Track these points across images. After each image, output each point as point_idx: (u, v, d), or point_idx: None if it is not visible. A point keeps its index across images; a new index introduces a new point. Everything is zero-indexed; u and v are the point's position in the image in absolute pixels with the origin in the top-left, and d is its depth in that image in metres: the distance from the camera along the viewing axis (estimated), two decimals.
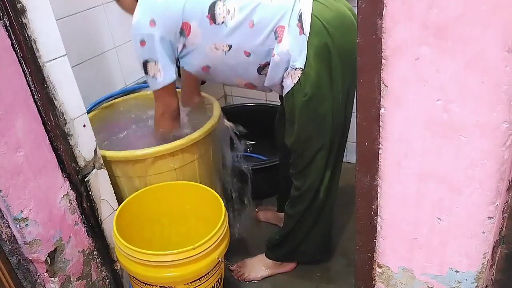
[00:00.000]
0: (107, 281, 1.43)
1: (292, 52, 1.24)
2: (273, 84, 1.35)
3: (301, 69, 1.25)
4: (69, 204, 1.23)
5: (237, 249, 1.84)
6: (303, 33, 1.22)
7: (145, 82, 1.94)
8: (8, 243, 1.13)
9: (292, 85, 1.28)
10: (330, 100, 1.31)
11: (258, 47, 1.28)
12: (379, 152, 0.77)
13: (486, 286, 0.81)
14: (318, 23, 1.23)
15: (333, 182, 1.49)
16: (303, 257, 1.69)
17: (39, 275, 1.20)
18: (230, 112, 2.18)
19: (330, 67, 1.27)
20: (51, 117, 1.13)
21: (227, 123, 1.78)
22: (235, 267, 1.73)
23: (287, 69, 1.28)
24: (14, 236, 1.12)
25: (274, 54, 1.27)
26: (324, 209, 1.53)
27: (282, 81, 1.32)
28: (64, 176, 1.21)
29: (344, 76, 1.30)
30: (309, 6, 1.23)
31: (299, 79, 1.26)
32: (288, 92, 1.30)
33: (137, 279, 1.30)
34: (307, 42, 1.23)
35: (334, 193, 1.53)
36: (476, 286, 0.82)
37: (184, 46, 1.34)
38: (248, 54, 1.30)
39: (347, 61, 1.28)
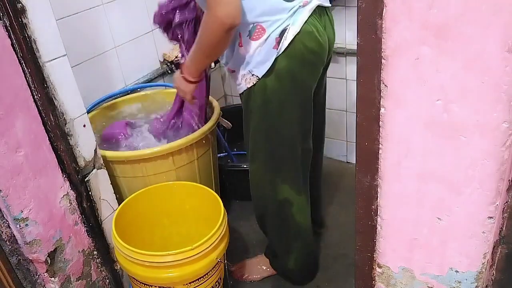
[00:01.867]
0: (107, 281, 1.43)
1: (256, 57, 1.22)
2: (230, 70, 1.34)
3: (257, 78, 1.25)
4: (69, 204, 1.23)
5: (237, 249, 1.84)
6: (277, 49, 1.20)
7: (145, 82, 1.95)
8: (8, 243, 1.13)
9: (245, 89, 1.29)
10: (277, 119, 1.31)
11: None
12: (379, 152, 0.77)
13: (486, 286, 0.81)
14: (300, 49, 1.21)
15: (294, 199, 1.45)
16: (288, 276, 1.67)
17: (39, 275, 1.20)
18: (230, 112, 2.19)
19: (287, 90, 1.26)
20: (51, 117, 1.13)
21: (226, 122, 1.79)
22: (235, 267, 1.73)
23: (243, 68, 1.26)
24: (14, 236, 1.12)
25: (241, 44, 1.23)
26: (298, 229, 1.51)
27: (236, 78, 1.31)
28: (64, 176, 1.21)
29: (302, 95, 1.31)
30: (297, 28, 1.19)
31: (254, 85, 1.26)
32: (242, 93, 1.32)
33: (136, 280, 1.30)
34: (276, 58, 1.21)
35: (299, 211, 1.48)
36: (476, 286, 0.82)
37: None
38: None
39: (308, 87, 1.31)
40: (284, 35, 1.19)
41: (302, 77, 1.27)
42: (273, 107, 1.28)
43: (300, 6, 1.20)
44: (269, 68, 1.22)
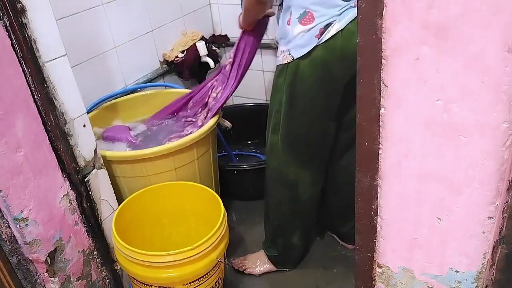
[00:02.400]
0: (107, 281, 1.43)
1: (298, 41, 1.30)
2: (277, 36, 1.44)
3: (292, 58, 1.32)
4: (69, 204, 1.23)
5: (236, 249, 1.84)
6: (319, 38, 1.27)
7: (144, 82, 1.95)
8: (8, 243, 1.13)
9: (280, 63, 1.37)
10: (306, 102, 1.38)
11: None
12: (379, 152, 0.77)
13: (486, 286, 0.81)
14: (340, 44, 1.27)
15: (303, 178, 1.52)
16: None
17: (39, 275, 1.20)
18: (230, 112, 2.19)
19: (318, 78, 1.33)
20: (51, 117, 1.13)
21: (226, 122, 1.79)
22: (236, 260, 1.74)
23: (284, 44, 1.35)
24: (14, 236, 1.12)
25: (289, 23, 1.31)
26: (303, 205, 1.58)
27: (278, 50, 1.40)
28: (64, 176, 1.21)
29: (331, 98, 1.38)
30: (342, 25, 1.25)
31: (288, 64, 1.34)
32: (277, 65, 1.41)
33: (136, 280, 1.30)
34: (315, 46, 1.28)
35: (303, 187, 1.55)
36: (476, 286, 0.82)
37: None
38: None
39: (341, 89, 1.36)
40: (328, 28, 1.26)
41: (335, 70, 1.32)
42: (300, 90, 1.36)
43: (351, 6, 1.26)
44: (306, 53, 1.29)
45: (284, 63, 1.35)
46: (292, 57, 1.32)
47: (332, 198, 1.70)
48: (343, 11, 1.26)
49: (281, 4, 1.37)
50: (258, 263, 1.72)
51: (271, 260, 1.71)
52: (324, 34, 1.26)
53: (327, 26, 1.26)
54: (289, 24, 1.31)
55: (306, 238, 1.71)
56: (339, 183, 1.65)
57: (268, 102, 2.36)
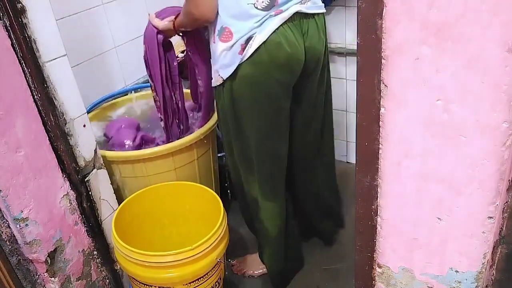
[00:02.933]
0: (107, 281, 1.43)
1: (223, 60, 1.23)
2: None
3: (222, 79, 1.26)
4: (69, 204, 1.23)
5: (236, 249, 1.84)
6: (242, 54, 1.20)
7: (145, 82, 1.95)
8: (8, 243, 1.13)
9: (215, 86, 1.31)
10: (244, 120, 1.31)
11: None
12: (379, 152, 0.77)
13: (486, 286, 0.81)
14: (265, 59, 1.20)
15: (265, 192, 1.44)
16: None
17: (39, 275, 1.20)
18: None
19: (252, 98, 1.26)
20: (51, 117, 1.13)
21: None
22: (235, 262, 1.74)
23: (213, 64, 1.29)
24: (14, 236, 1.12)
25: (214, 41, 1.24)
26: (266, 233, 1.51)
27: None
28: (64, 176, 1.21)
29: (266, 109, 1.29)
30: (263, 37, 1.18)
31: (222, 85, 1.28)
32: (213, 87, 1.35)
33: (136, 280, 1.30)
34: (240, 64, 1.21)
35: (266, 217, 1.47)
36: (476, 286, 0.82)
37: None
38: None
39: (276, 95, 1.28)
40: (250, 42, 1.18)
41: (266, 86, 1.25)
42: (240, 111, 1.29)
43: (271, 15, 1.18)
44: (233, 73, 1.22)
45: (217, 85, 1.29)
46: (222, 78, 1.25)
47: (312, 204, 1.68)
48: (263, 22, 1.17)
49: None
50: (258, 264, 1.72)
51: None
52: (246, 49, 1.18)
53: (248, 40, 1.18)
54: (214, 42, 1.24)
55: (272, 265, 1.59)
56: (318, 187, 1.63)
57: None
